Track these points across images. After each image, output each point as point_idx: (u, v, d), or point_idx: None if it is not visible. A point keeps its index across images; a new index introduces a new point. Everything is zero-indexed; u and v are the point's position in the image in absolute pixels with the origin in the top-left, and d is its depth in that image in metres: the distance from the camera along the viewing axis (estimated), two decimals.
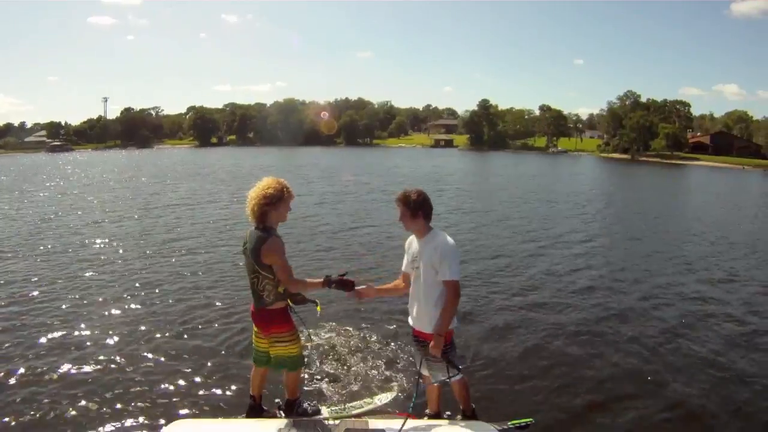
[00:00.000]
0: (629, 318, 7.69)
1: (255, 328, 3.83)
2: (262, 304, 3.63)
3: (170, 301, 8.00)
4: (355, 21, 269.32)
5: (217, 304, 7.82)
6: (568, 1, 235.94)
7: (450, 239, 3.57)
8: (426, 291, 3.60)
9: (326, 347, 6.18)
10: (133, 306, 7.73)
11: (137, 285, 8.77)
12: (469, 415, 3.94)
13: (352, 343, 6.35)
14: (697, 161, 73.03)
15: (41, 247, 11.95)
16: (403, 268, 3.90)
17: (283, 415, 3.92)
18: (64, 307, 7.68)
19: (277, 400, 4.42)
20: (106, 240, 12.81)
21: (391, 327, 6.83)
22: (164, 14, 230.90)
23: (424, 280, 3.59)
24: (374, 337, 6.54)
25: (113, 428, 4.54)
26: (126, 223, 15.53)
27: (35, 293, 8.31)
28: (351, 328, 6.78)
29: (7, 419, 4.65)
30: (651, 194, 28.91)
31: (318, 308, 3.95)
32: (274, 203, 3.57)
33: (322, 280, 3.66)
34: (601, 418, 4.97)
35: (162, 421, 4.43)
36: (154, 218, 16.58)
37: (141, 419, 4.67)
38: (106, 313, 7.43)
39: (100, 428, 4.54)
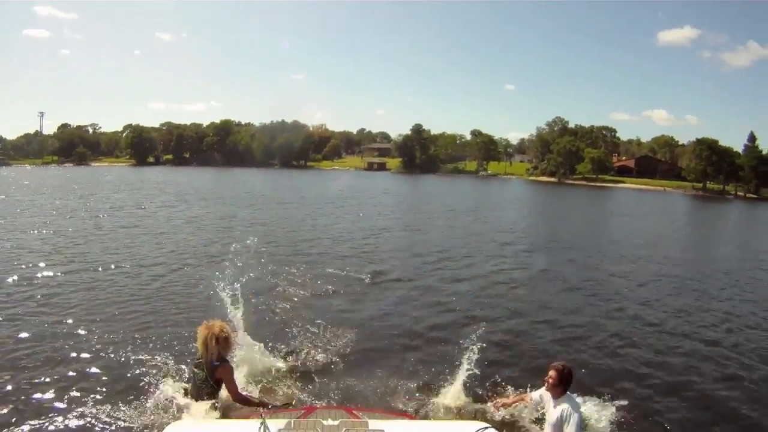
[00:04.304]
0: (627, 316, 7.57)
1: None
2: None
3: (171, 302, 7.73)
4: (288, 42, 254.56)
5: (219, 304, 7.01)
6: (499, 27, 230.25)
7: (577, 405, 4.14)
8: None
9: (328, 348, 6.06)
10: (133, 307, 7.43)
11: (138, 286, 8.47)
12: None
13: (353, 344, 6.29)
14: (621, 184, 69.96)
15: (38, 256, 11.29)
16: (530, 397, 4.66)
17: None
18: (67, 308, 7.39)
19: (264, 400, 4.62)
20: (114, 245, 12.40)
21: (393, 331, 6.82)
22: (99, 29, 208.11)
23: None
24: (375, 339, 6.52)
25: (114, 428, 4.42)
26: (130, 230, 15.32)
27: (36, 294, 8.01)
28: (352, 329, 6.73)
29: (6, 419, 4.46)
30: (564, 211, 30.36)
31: None
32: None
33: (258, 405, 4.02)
34: (602, 418, 4.86)
35: (162, 421, 4.26)
36: (142, 227, 16.16)
37: (141, 419, 4.51)
38: (106, 314, 7.15)
39: (101, 428, 4.42)
